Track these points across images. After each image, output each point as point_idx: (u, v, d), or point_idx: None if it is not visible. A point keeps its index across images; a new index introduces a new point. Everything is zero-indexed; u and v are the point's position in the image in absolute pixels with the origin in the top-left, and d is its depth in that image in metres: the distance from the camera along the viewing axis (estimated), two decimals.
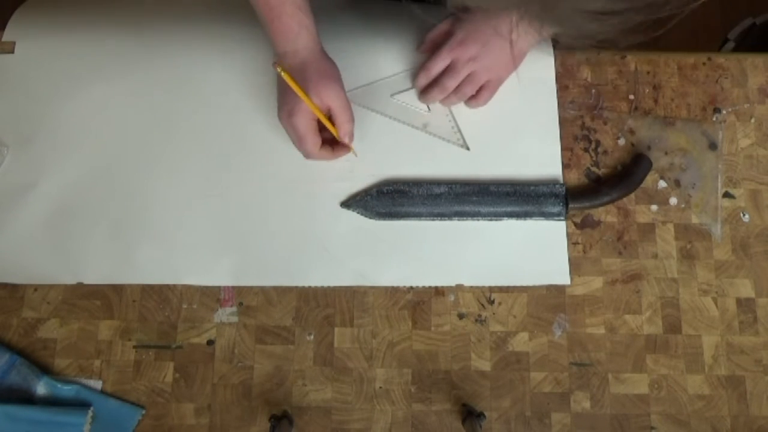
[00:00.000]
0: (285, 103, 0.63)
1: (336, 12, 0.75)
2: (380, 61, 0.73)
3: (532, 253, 0.67)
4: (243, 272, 0.67)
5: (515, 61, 0.69)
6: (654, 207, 0.69)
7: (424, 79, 0.69)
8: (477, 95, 0.70)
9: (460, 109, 0.72)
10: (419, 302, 0.66)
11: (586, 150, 0.71)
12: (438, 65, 0.68)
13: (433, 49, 0.70)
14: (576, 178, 0.70)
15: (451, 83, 0.68)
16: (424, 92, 0.70)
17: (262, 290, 0.67)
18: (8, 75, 0.73)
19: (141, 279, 0.67)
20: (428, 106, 0.71)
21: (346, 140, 0.65)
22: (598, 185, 0.69)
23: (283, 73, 0.57)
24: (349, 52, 0.72)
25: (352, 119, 0.64)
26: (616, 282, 0.67)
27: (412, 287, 0.67)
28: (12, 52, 0.74)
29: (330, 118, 0.64)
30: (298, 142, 0.64)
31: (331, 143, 0.66)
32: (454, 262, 0.67)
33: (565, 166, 0.70)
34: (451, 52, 0.68)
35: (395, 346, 0.65)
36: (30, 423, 0.61)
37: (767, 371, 0.65)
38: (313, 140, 0.63)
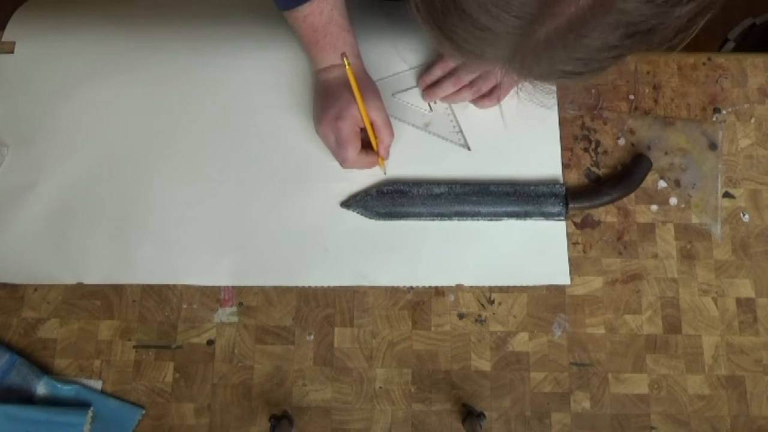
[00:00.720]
0: (331, 107, 0.64)
1: None
2: (383, 60, 0.73)
3: (532, 253, 0.67)
4: (243, 272, 0.67)
5: None
6: (654, 207, 0.69)
7: (439, 71, 0.69)
8: (490, 94, 0.69)
9: (461, 110, 0.72)
10: (419, 302, 0.66)
11: (586, 150, 0.71)
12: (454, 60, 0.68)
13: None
14: (576, 178, 0.70)
15: (467, 76, 0.68)
16: (437, 84, 0.69)
17: (262, 290, 0.67)
18: (8, 75, 0.73)
19: (141, 279, 0.67)
20: (430, 106, 0.71)
21: (384, 154, 0.66)
22: (598, 185, 0.69)
23: (348, 68, 0.58)
24: None
25: (392, 135, 0.65)
26: (616, 282, 0.67)
27: (412, 287, 0.67)
28: (12, 52, 0.74)
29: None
30: (340, 146, 0.64)
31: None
32: (454, 262, 0.67)
33: (565, 166, 0.70)
34: None
35: (395, 346, 0.65)
36: (30, 423, 0.61)
37: (767, 371, 0.65)
38: (356, 146, 0.64)
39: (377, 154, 0.66)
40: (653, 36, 0.34)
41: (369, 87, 0.65)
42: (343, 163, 0.65)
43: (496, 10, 0.33)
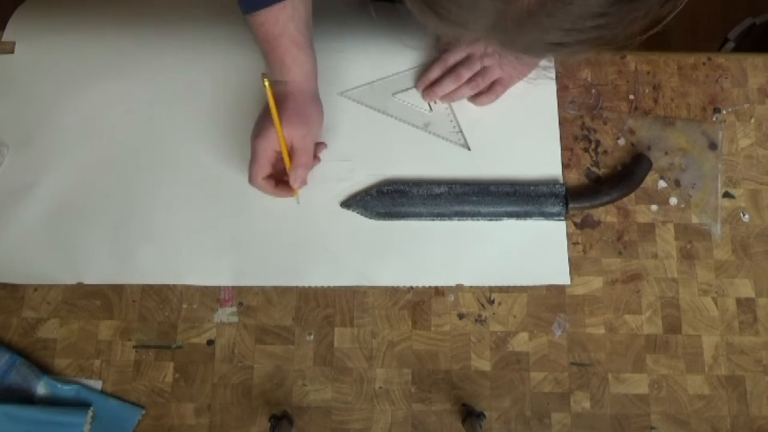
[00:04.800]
0: (258, 122, 0.64)
1: (339, 12, 0.75)
2: (382, 60, 0.73)
3: (532, 253, 0.67)
4: (243, 272, 0.67)
5: (530, 67, 0.69)
6: (654, 207, 0.69)
7: (438, 70, 0.69)
8: (489, 90, 0.69)
9: (461, 110, 0.71)
10: (419, 302, 0.66)
11: (586, 150, 0.71)
12: (454, 56, 0.68)
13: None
14: (576, 178, 0.70)
15: (466, 73, 0.67)
16: (437, 83, 0.69)
17: (262, 290, 0.67)
18: (8, 75, 0.73)
19: (141, 279, 0.67)
20: (430, 106, 0.71)
21: (294, 183, 0.63)
22: (598, 185, 0.69)
23: (267, 87, 0.56)
24: (351, 51, 0.72)
25: (308, 166, 0.64)
26: (616, 282, 0.67)
27: (412, 287, 0.67)
28: (12, 52, 0.74)
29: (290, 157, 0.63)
30: (250, 164, 0.63)
31: (279, 181, 0.65)
32: (454, 262, 0.67)
33: (565, 166, 0.70)
34: (468, 47, 0.67)
35: (395, 346, 0.65)
36: (30, 423, 0.61)
37: (767, 371, 0.65)
38: (262, 167, 0.62)
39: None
40: (638, 3, 0.34)
41: (303, 112, 0.63)
42: (250, 181, 0.63)
43: None
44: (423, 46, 0.72)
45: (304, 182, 0.64)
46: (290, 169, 0.63)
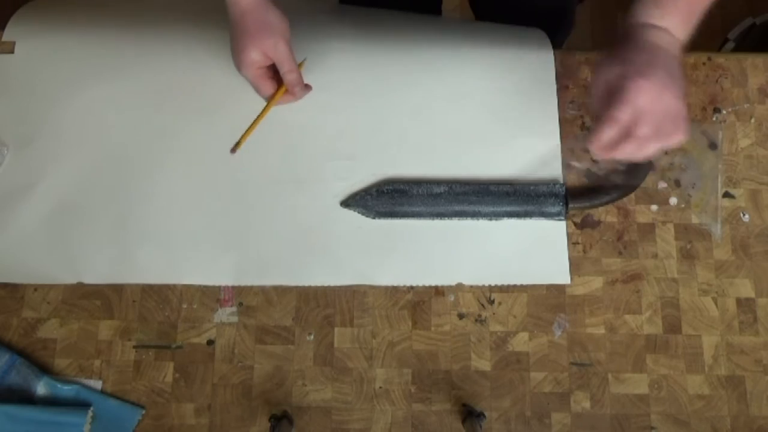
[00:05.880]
0: (232, 49, 0.64)
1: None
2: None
3: (532, 252, 0.67)
4: (243, 272, 0.67)
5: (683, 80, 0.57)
6: (654, 207, 0.69)
7: (611, 131, 0.54)
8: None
9: (461, 108, 0.71)
10: (419, 302, 0.66)
11: (586, 150, 0.71)
12: (623, 112, 0.53)
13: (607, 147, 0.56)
14: (576, 178, 0.70)
15: (646, 130, 0.54)
16: (613, 147, 0.55)
17: (262, 290, 0.67)
18: (8, 75, 0.73)
19: (141, 279, 0.67)
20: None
21: (294, 91, 0.67)
22: (598, 185, 0.69)
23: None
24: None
25: (294, 69, 0.65)
26: (616, 282, 0.67)
27: (412, 287, 0.67)
28: (12, 52, 0.74)
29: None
30: (255, 90, 0.67)
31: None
32: (454, 262, 0.67)
33: (565, 166, 0.70)
34: (636, 95, 0.53)
35: (395, 346, 0.65)
36: (30, 423, 0.61)
37: (767, 371, 0.65)
38: (267, 85, 0.66)
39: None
40: None
41: (264, 24, 0.62)
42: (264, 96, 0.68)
43: None
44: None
45: (302, 84, 0.67)
46: (283, 80, 0.66)
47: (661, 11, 0.57)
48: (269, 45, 0.62)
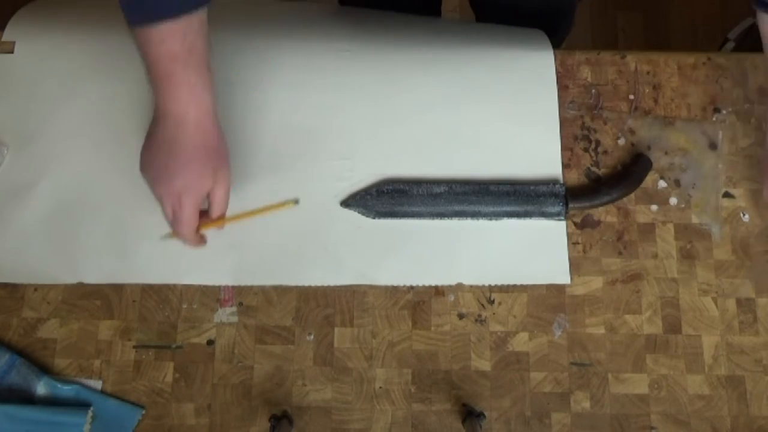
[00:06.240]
0: (177, 174, 0.55)
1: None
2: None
3: (533, 252, 0.67)
4: (243, 272, 0.67)
5: None
6: (654, 207, 0.69)
7: None
8: None
9: (461, 109, 0.71)
10: (419, 302, 0.66)
11: (586, 150, 0.71)
12: None
13: None
14: (576, 178, 0.70)
15: None
16: None
17: (262, 290, 0.67)
18: (8, 75, 0.73)
19: (141, 279, 0.67)
20: None
21: (197, 240, 0.62)
22: (598, 185, 0.69)
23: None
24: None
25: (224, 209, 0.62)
26: (616, 282, 0.67)
27: (412, 287, 0.67)
28: (12, 52, 0.74)
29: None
30: (178, 222, 0.58)
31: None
32: (454, 262, 0.67)
33: (565, 166, 0.70)
34: None
35: (395, 346, 0.65)
36: (30, 423, 0.61)
37: (767, 371, 0.65)
38: (194, 226, 0.60)
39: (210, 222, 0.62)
40: None
41: (221, 152, 0.57)
42: (177, 235, 0.61)
43: None
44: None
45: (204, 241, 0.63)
46: (212, 214, 0.61)
47: None
48: (219, 191, 0.57)
